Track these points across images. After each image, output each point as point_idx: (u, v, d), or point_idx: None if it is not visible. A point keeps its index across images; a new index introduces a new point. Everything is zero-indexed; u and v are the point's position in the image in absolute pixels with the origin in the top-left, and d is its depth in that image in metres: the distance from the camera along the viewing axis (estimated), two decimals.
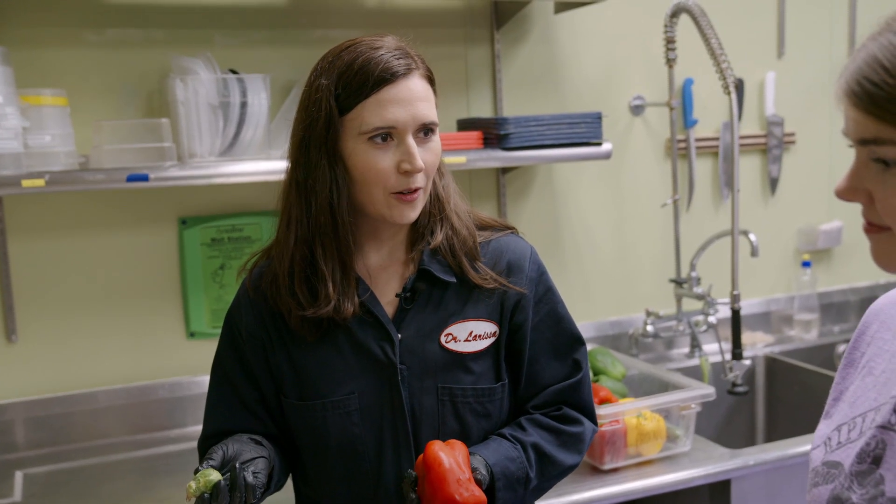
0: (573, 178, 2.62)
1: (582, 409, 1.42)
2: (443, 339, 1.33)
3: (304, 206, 1.29)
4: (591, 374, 1.48)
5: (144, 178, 1.89)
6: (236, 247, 2.27)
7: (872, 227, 0.86)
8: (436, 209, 1.36)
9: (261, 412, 1.38)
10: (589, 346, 2.42)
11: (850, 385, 1.04)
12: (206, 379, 2.22)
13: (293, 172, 1.32)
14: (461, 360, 1.34)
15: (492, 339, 1.36)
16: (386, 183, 1.26)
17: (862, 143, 0.82)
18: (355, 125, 1.25)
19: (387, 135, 1.25)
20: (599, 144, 2.33)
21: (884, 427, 0.92)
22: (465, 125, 2.41)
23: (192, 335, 2.27)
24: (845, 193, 0.85)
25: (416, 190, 1.27)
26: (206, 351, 2.27)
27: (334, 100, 1.25)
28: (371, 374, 1.33)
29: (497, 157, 2.24)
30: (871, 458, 0.92)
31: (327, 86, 1.25)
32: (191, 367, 2.28)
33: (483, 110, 2.51)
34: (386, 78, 1.24)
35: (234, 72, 2.09)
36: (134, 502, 1.89)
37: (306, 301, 1.30)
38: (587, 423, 1.42)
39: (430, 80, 1.31)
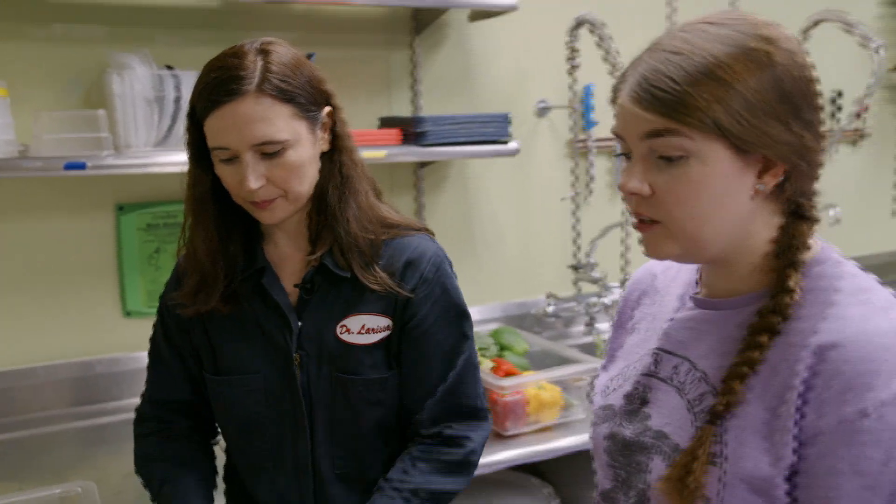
0: (484, 172, 2.63)
1: (468, 414, 1.34)
2: (338, 330, 1.29)
3: (187, 202, 1.29)
4: (479, 373, 1.38)
5: (81, 167, 1.83)
6: (171, 232, 2.21)
7: (644, 224, 0.92)
8: (324, 213, 1.28)
9: (184, 383, 1.39)
10: (496, 325, 2.45)
11: (622, 344, 1.13)
12: (142, 355, 2.19)
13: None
14: (354, 351, 1.29)
15: (385, 333, 1.29)
16: (237, 195, 1.22)
17: (648, 136, 0.87)
18: (208, 139, 1.21)
19: (230, 154, 1.19)
20: (507, 142, 2.34)
21: (646, 374, 1.03)
22: (386, 122, 2.40)
23: (128, 314, 2.21)
24: (631, 186, 0.90)
25: (267, 200, 1.21)
26: (142, 329, 2.22)
27: (192, 114, 1.23)
28: (272, 357, 1.30)
29: (414, 153, 2.23)
30: (638, 400, 1.03)
31: (190, 102, 1.23)
32: (127, 343, 2.22)
33: (403, 109, 2.49)
34: (209, 106, 1.17)
35: (169, 68, 2.04)
36: (73, 471, 1.83)
37: (186, 290, 1.31)
38: (476, 438, 1.33)
39: (286, 95, 1.19)
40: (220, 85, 1.16)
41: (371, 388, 1.30)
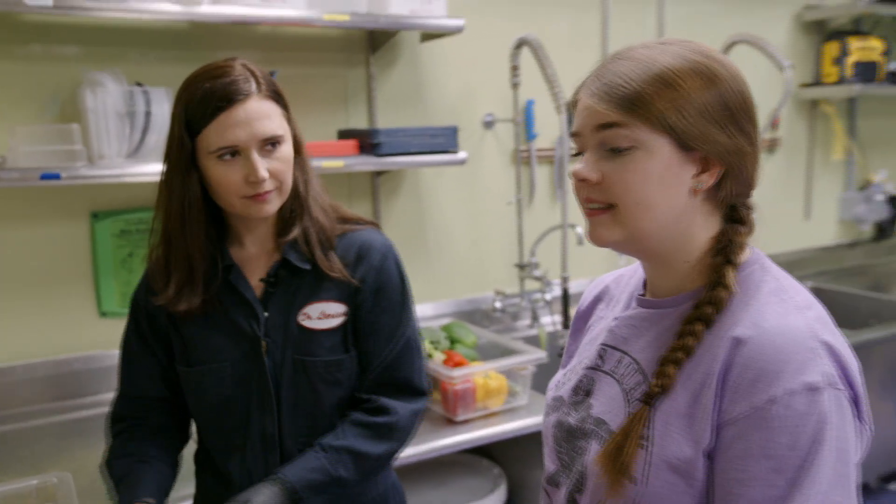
0: (435, 180, 2.65)
1: (402, 389, 1.37)
2: (299, 317, 1.32)
3: (164, 211, 1.30)
4: (419, 354, 1.40)
5: (56, 177, 1.81)
6: (143, 237, 2.19)
7: (596, 211, 0.94)
8: (297, 204, 1.33)
9: (157, 379, 1.39)
10: (447, 320, 2.47)
11: (578, 346, 1.15)
12: (118, 353, 2.14)
13: (162, 180, 1.31)
14: (314, 336, 1.33)
15: (341, 319, 1.34)
16: (237, 192, 1.25)
17: (602, 127, 0.91)
18: (205, 146, 1.23)
19: (234, 152, 1.23)
20: (456, 153, 2.37)
21: (591, 368, 1.05)
22: (344, 135, 2.40)
23: (103, 314, 2.18)
24: (583, 172, 0.93)
25: (267, 192, 1.26)
26: (117, 328, 2.16)
27: (185, 126, 1.24)
28: (241, 345, 1.33)
29: (371, 162, 2.24)
30: (584, 392, 1.04)
31: (178, 114, 1.25)
32: (103, 342, 2.19)
33: (360, 122, 2.50)
34: (222, 106, 1.21)
35: (140, 84, 2.02)
36: (51, 463, 1.81)
37: (161, 291, 1.32)
38: (402, 408, 1.35)
39: (276, 97, 1.27)
40: (223, 90, 1.21)
41: (329, 370, 1.33)
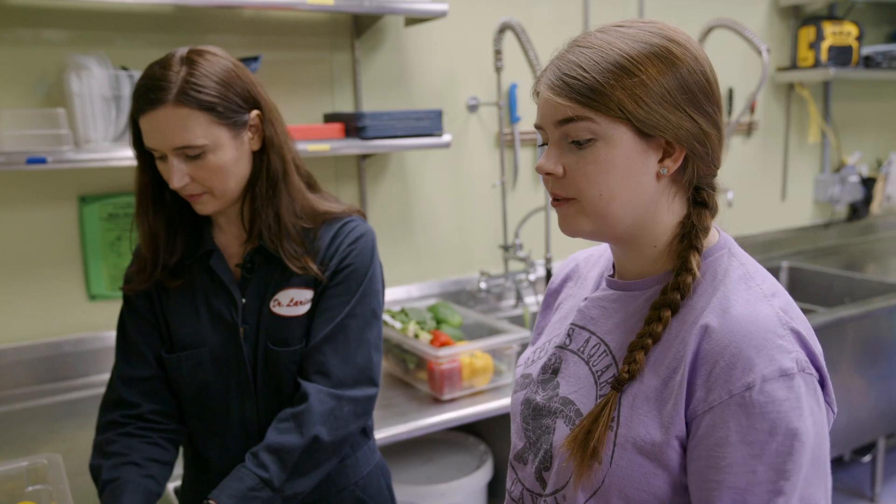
0: (421, 163, 2.62)
1: (323, 374, 1.27)
2: (271, 304, 1.29)
3: (136, 189, 1.29)
4: (359, 346, 1.29)
5: (43, 161, 1.77)
6: (131, 221, 2.14)
7: (560, 202, 0.93)
8: (259, 205, 1.27)
9: (152, 356, 1.34)
10: (433, 301, 2.45)
11: (547, 323, 1.14)
12: (106, 334, 2.14)
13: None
14: (284, 323, 1.29)
15: (309, 305, 1.30)
16: (172, 187, 1.22)
17: (561, 122, 0.89)
18: None
19: (159, 154, 1.20)
20: (440, 136, 2.33)
21: (560, 347, 1.03)
22: (330, 118, 2.37)
23: (92, 297, 2.15)
24: (547, 167, 0.91)
25: (194, 195, 1.22)
26: (106, 310, 2.17)
27: (131, 114, 1.22)
28: (220, 331, 1.30)
29: (356, 146, 2.21)
30: (552, 370, 1.03)
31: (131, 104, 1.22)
32: (92, 324, 2.16)
33: (345, 106, 2.47)
34: (137, 112, 1.18)
35: (125, 68, 1.97)
36: (42, 444, 1.78)
37: (134, 269, 1.32)
38: (317, 392, 1.25)
39: (203, 105, 1.17)
40: (145, 93, 1.17)
41: (294, 358, 1.29)
